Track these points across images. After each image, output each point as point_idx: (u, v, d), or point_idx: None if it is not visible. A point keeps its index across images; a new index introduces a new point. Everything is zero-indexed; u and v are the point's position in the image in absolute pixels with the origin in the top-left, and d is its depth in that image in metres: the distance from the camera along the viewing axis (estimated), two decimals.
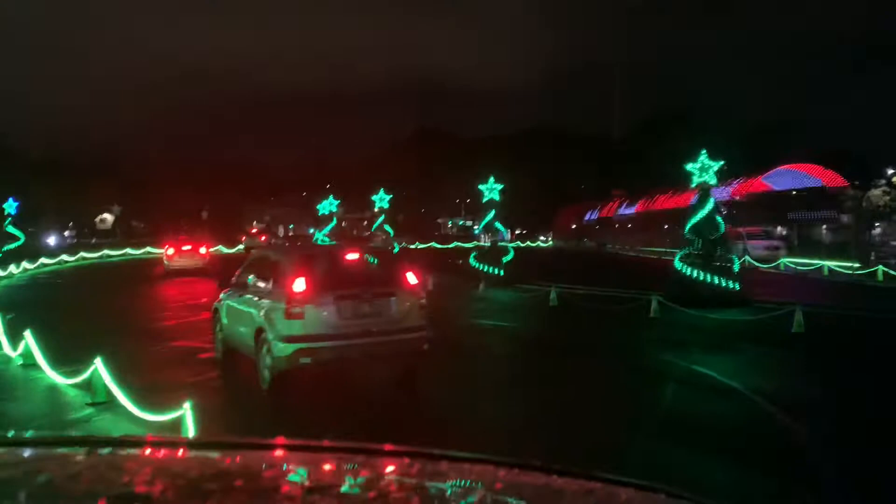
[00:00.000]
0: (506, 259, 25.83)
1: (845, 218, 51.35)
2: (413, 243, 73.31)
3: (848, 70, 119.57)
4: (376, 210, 34.18)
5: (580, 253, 58.29)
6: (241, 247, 54.42)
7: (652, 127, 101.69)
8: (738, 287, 18.60)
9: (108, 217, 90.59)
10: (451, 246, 69.61)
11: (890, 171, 58.20)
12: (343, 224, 63.90)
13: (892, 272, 25.50)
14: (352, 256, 9.69)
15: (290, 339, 8.22)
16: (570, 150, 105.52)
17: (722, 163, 19.21)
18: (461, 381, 10.02)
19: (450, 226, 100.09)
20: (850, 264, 29.53)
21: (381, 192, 34.02)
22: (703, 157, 19.16)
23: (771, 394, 8.88)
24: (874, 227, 51.71)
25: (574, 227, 79.15)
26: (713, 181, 19.27)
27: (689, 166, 19.35)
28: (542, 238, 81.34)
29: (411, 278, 9.20)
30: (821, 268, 29.42)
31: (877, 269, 26.21)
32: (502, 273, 25.33)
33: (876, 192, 57.82)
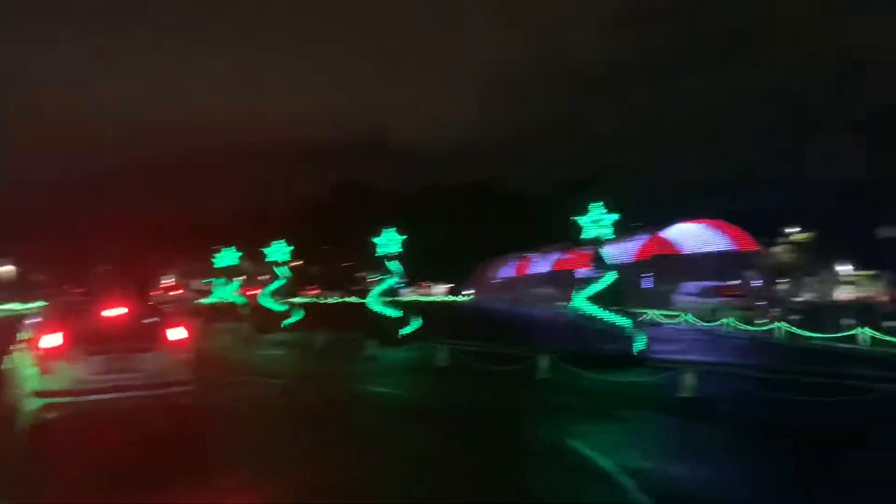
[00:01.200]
0: (396, 315, 24.35)
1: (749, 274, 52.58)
2: (326, 297, 71.84)
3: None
4: (279, 261, 32.14)
5: (493, 308, 57.45)
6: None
7: (576, 186, 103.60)
8: (637, 344, 17.63)
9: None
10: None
11: (787, 230, 60.11)
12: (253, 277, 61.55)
13: (793, 329, 25.19)
14: (115, 312, 9.47)
15: (40, 394, 8.37)
16: (494, 207, 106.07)
17: (617, 216, 18.40)
18: (243, 441, 9.37)
19: (369, 280, 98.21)
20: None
21: (282, 243, 32.16)
22: (597, 208, 18.36)
23: (645, 476, 7.64)
24: (778, 284, 53.12)
25: (492, 281, 78.81)
26: (608, 235, 18.41)
27: (581, 219, 18.50)
28: (464, 293, 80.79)
29: (176, 333, 9.30)
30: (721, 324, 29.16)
31: (776, 326, 25.94)
32: (397, 330, 23.87)
33: (778, 248, 59.56)
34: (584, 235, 18.45)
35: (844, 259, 49.14)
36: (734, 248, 46.40)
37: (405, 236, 25.33)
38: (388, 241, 25.12)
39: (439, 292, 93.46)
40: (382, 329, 23.97)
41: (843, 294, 41.62)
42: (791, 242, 59.56)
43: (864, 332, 21.90)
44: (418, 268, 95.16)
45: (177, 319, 9.82)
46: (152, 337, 9.10)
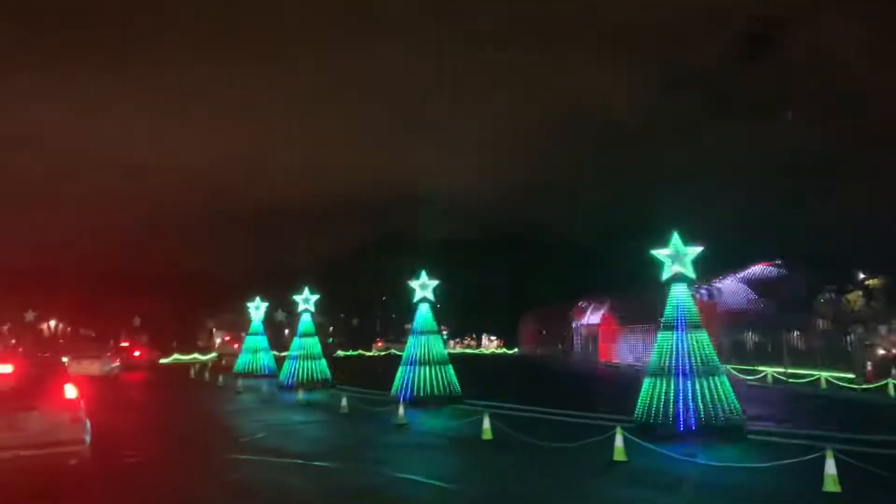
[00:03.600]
0: (441, 372, 21.02)
1: (820, 324, 48.00)
2: (349, 350, 68.73)
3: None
4: (299, 311, 29.32)
5: (543, 362, 53.41)
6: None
7: (617, 233, 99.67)
8: (734, 412, 13.92)
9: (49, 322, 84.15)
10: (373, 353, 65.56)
11: (861, 276, 55.35)
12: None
13: None
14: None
15: None
16: (536, 256, 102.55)
17: (701, 248, 14.93)
18: None
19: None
20: (845, 375, 25.36)
21: (306, 290, 29.30)
22: (676, 240, 14.92)
23: None
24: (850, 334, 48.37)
25: (541, 333, 74.68)
26: (691, 273, 14.91)
27: (659, 253, 15.05)
28: (515, 347, 77.16)
29: (67, 392, 9.18)
30: (817, 380, 25.01)
31: (888, 383, 21.75)
32: (433, 390, 20.56)
33: (851, 296, 54.68)
34: (664, 275, 14.98)
35: None
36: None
37: (439, 281, 22.22)
38: (423, 286, 21.98)
39: (489, 346, 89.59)
40: (415, 388, 20.68)
41: None
42: (864, 288, 54.89)
43: None
44: (464, 320, 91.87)
45: (65, 377, 9.62)
46: (41, 395, 8.97)
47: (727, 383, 14.32)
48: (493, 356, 71.23)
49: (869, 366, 30.56)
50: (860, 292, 56.23)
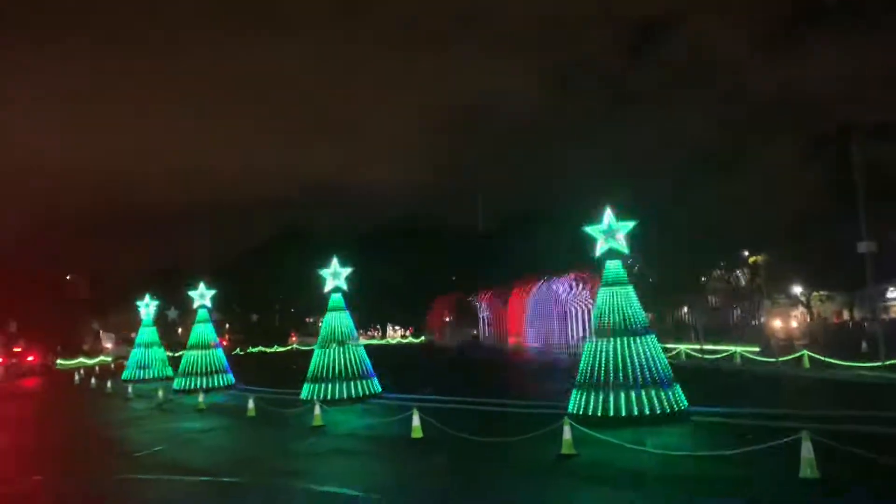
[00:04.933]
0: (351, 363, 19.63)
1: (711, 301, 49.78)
2: (249, 347, 65.64)
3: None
4: (194, 306, 27.04)
5: (449, 349, 52.60)
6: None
7: (526, 220, 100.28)
8: (670, 390, 13.22)
9: None
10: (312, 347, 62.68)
11: (745, 253, 57.69)
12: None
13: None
14: None
15: None
16: (441, 247, 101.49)
17: (633, 223, 14.15)
18: None
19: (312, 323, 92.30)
20: (751, 349, 25.78)
21: (202, 285, 27.01)
22: (609, 216, 14.08)
23: None
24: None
25: (446, 320, 74.13)
26: (624, 248, 14.12)
27: (593, 229, 14.17)
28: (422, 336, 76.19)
29: None
30: (730, 355, 25.14)
31: (802, 355, 21.97)
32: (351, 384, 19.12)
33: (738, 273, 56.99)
34: (599, 251, 14.12)
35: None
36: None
37: (351, 268, 20.75)
38: (335, 274, 20.44)
39: (394, 336, 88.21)
40: (328, 383, 19.19)
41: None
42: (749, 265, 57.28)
43: None
44: (367, 312, 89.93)
45: None
46: None
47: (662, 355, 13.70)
48: (400, 346, 69.92)
49: (771, 341, 31.42)
50: (746, 270, 58.65)
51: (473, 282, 71.88)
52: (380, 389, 20.05)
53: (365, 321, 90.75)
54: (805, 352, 21.87)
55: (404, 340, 79.02)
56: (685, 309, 48.11)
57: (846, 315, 52.67)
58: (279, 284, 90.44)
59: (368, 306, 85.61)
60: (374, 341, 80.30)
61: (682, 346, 28.36)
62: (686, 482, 8.92)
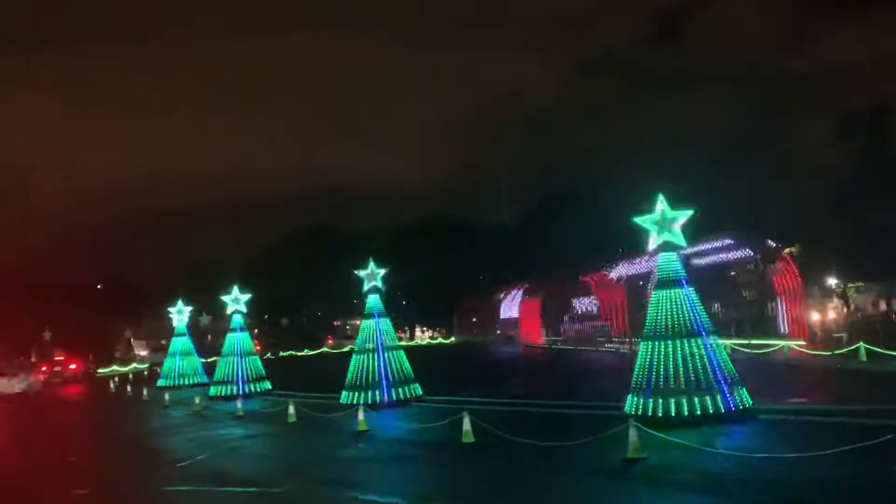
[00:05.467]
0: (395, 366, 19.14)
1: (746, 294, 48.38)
2: (280, 351, 65.18)
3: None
4: (228, 312, 26.76)
5: (489, 348, 51.96)
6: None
7: (546, 213, 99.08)
8: (734, 388, 12.51)
9: None
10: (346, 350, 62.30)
11: (774, 245, 56.13)
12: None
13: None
14: None
15: None
16: (465, 241, 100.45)
17: (691, 212, 13.43)
18: None
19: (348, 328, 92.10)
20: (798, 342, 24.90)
21: (235, 290, 26.69)
22: (663, 204, 13.36)
23: None
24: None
25: (475, 320, 73.42)
26: (680, 240, 13.41)
27: (644, 220, 13.48)
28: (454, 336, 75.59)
29: None
30: (780, 349, 24.26)
31: (859, 347, 21.02)
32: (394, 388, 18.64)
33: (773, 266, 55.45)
34: (652, 244, 13.44)
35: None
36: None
37: (387, 268, 20.27)
38: (372, 275, 19.95)
39: (423, 337, 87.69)
40: (369, 390, 18.69)
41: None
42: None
43: None
44: (397, 313, 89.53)
45: None
46: None
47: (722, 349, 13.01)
48: (430, 347, 69.41)
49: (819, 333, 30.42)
50: (779, 263, 57.16)
51: (499, 279, 71.36)
52: (421, 392, 19.52)
53: (393, 322, 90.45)
54: (862, 344, 20.92)
55: (434, 341, 78.31)
56: (717, 305, 46.41)
57: (883, 306, 51.05)
58: (307, 285, 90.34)
59: (396, 308, 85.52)
60: (403, 342, 79.80)
61: (728, 342, 27.46)
62: (774, 487, 8.23)
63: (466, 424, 12.53)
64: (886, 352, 19.92)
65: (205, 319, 51.27)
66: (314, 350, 70.14)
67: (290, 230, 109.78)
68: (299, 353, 67.80)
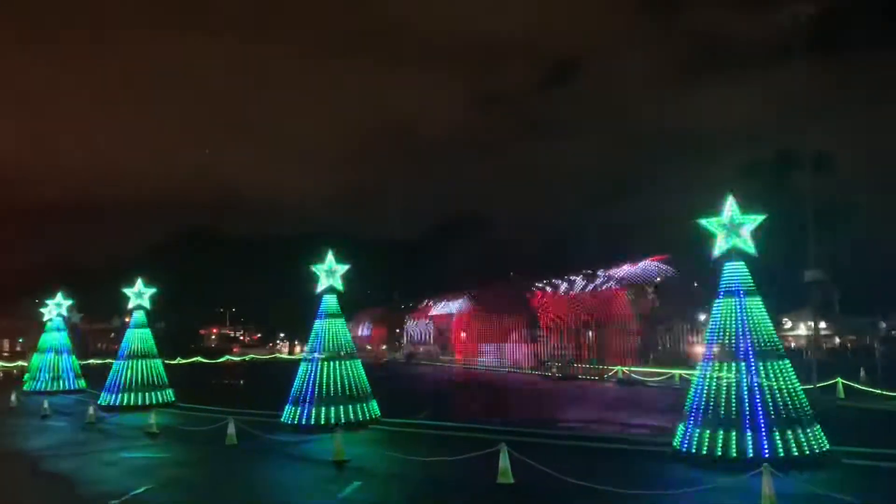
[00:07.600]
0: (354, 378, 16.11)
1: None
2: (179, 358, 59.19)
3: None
4: (129, 307, 22.59)
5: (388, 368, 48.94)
6: None
7: (446, 231, 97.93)
8: (809, 428, 10.56)
9: None
10: (221, 360, 57.23)
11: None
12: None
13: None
14: None
15: None
16: (356, 256, 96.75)
17: (763, 217, 11.48)
18: None
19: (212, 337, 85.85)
20: None
21: (139, 282, 22.55)
22: (733, 206, 11.37)
23: None
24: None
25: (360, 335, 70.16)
26: (750, 247, 11.41)
27: (711, 222, 11.42)
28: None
29: None
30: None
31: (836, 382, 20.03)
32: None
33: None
34: (717, 250, 11.39)
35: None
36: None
37: (348, 265, 17.29)
38: (329, 272, 16.87)
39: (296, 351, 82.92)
40: (320, 405, 15.56)
41: None
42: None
43: None
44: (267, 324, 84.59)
45: None
46: None
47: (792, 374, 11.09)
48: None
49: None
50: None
51: (402, 292, 69.18)
52: (379, 413, 16.56)
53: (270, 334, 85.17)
54: (839, 379, 19.99)
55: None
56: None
57: (837, 341, 51.96)
58: (180, 290, 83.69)
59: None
60: (285, 356, 74.61)
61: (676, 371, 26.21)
62: None
63: (503, 461, 9.83)
64: (864, 388, 19.02)
65: (76, 317, 45.21)
66: (187, 359, 64.31)
67: (169, 233, 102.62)
68: (171, 362, 61.73)
